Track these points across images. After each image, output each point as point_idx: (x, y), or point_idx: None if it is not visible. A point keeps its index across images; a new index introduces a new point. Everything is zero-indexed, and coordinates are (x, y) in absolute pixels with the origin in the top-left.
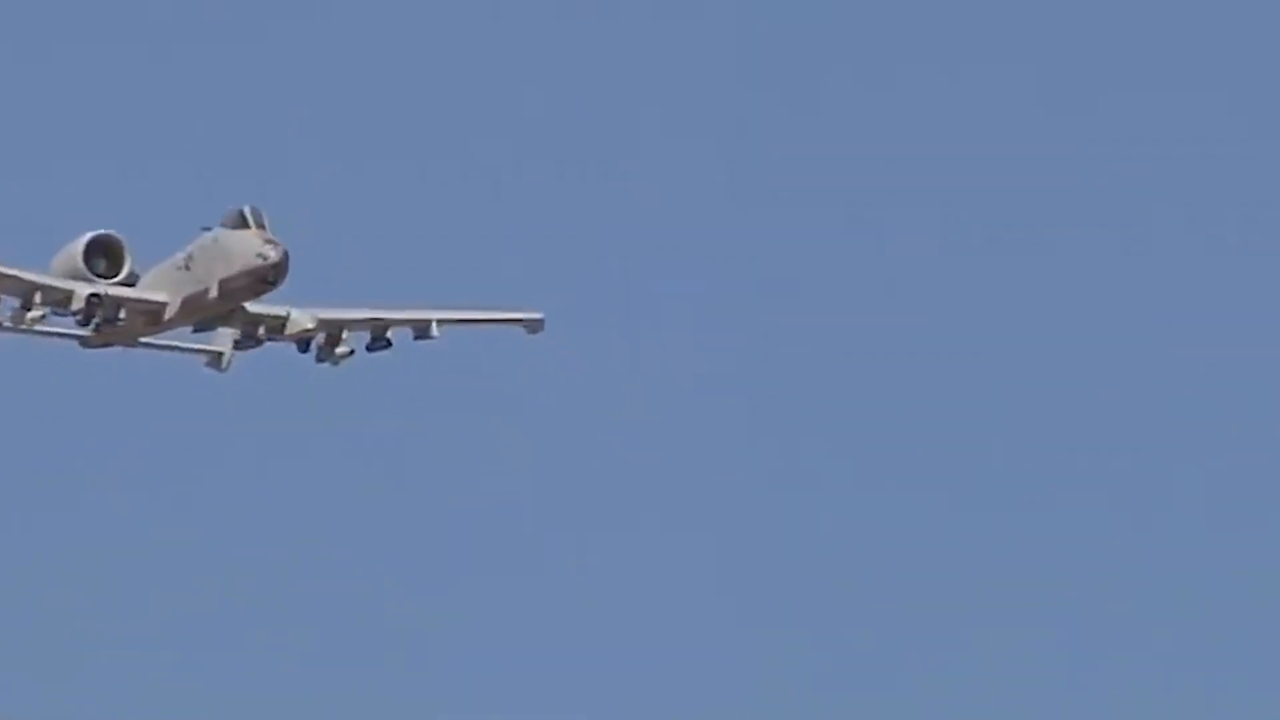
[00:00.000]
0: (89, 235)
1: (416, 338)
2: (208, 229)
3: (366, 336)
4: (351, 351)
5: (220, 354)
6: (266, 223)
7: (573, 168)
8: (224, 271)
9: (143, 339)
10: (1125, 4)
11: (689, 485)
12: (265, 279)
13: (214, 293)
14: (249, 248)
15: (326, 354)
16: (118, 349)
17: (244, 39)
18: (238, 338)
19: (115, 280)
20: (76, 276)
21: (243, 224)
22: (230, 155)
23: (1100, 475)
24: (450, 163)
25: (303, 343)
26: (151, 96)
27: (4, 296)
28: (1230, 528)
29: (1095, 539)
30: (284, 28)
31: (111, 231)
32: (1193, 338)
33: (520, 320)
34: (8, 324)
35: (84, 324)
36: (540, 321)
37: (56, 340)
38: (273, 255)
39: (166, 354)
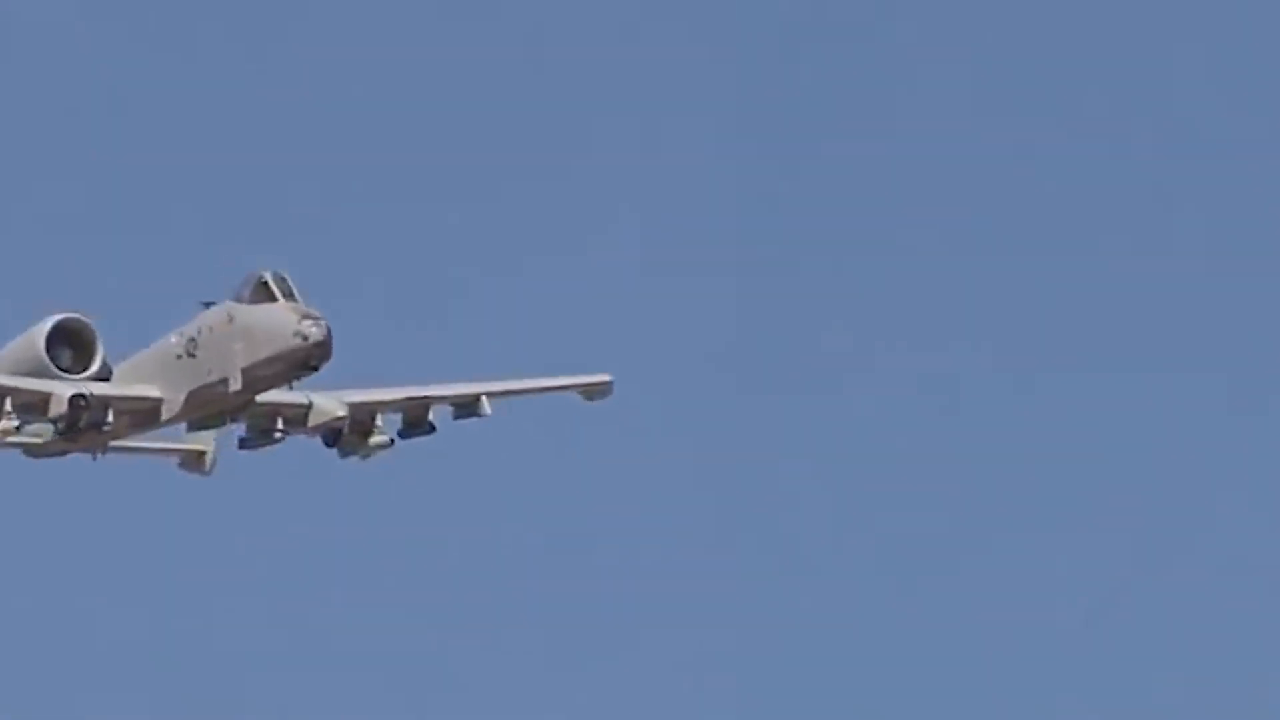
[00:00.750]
0: (51, 320)
1: (457, 417)
2: (210, 304)
3: (398, 422)
4: (391, 441)
5: (202, 453)
6: (297, 291)
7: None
8: (249, 357)
9: (113, 442)
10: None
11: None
12: (306, 363)
13: (236, 384)
14: (283, 326)
15: (355, 445)
16: (73, 455)
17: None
18: (244, 435)
19: (85, 376)
20: (36, 372)
21: (266, 295)
22: (206, 206)
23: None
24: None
25: (331, 434)
26: (99, 141)
27: None
28: None
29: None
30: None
31: (78, 314)
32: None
33: (585, 386)
34: None
35: (64, 432)
36: (608, 385)
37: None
38: (315, 334)
39: (136, 456)
